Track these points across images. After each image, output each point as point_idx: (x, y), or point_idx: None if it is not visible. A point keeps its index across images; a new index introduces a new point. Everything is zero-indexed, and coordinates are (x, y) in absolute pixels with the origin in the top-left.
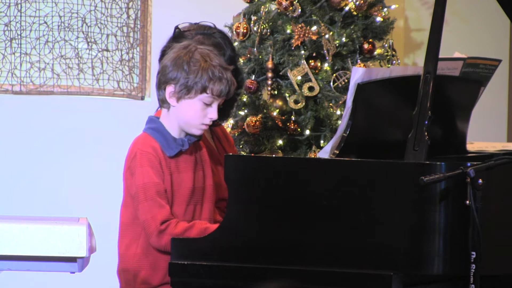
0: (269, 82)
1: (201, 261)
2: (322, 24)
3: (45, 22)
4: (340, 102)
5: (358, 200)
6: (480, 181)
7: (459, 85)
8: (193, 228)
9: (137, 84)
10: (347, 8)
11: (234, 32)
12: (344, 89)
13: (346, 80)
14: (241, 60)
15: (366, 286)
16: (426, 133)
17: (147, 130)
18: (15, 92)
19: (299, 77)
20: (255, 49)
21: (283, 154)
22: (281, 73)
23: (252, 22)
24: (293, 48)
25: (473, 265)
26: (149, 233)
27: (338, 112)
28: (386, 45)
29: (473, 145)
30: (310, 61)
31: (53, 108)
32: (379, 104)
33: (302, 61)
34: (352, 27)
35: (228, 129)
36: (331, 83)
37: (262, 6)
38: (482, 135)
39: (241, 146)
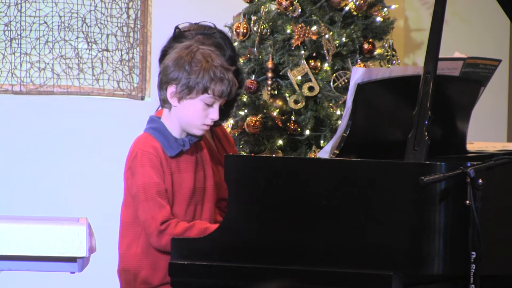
0: (269, 82)
1: (201, 261)
2: (322, 24)
3: (45, 22)
4: (340, 102)
5: (358, 200)
6: (480, 181)
7: (459, 85)
8: (193, 228)
9: (137, 84)
10: (347, 8)
11: (234, 32)
12: (344, 89)
13: (346, 80)
14: (241, 60)
15: (366, 286)
16: (426, 133)
17: (148, 130)
18: (15, 92)
19: (299, 77)
20: (255, 49)
21: (283, 154)
22: (281, 73)
23: (252, 22)
24: (293, 48)
25: (473, 265)
26: (149, 233)
27: (338, 112)
28: (386, 45)
29: (473, 145)
30: (310, 61)
31: (53, 108)
32: (379, 104)
33: (302, 61)
34: (352, 27)
35: (228, 129)
36: (331, 83)
37: (262, 6)
38: (482, 135)
39: (241, 146)
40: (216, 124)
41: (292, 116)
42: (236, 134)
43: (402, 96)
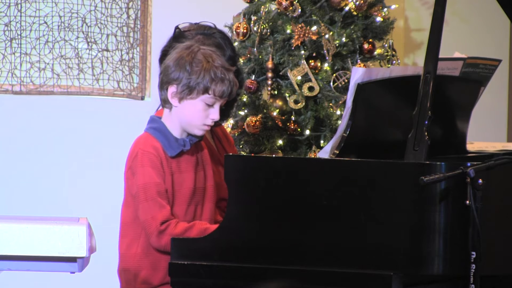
0: (269, 82)
1: (201, 261)
2: (322, 24)
3: (45, 22)
4: (340, 102)
5: (358, 200)
6: (480, 181)
7: (459, 85)
8: (193, 228)
9: (137, 84)
10: (347, 8)
11: (234, 32)
12: (344, 89)
13: (346, 80)
14: (241, 60)
15: (366, 286)
16: (426, 133)
17: (148, 129)
18: (15, 92)
19: (299, 77)
20: (255, 49)
21: (283, 154)
22: (281, 73)
23: (252, 22)
24: (293, 48)
25: (473, 265)
26: (149, 233)
27: (338, 112)
28: (386, 45)
29: (473, 145)
30: (310, 61)
31: (53, 108)
32: (379, 104)
33: (302, 61)
34: (352, 27)
35: (228, 129)
36: (331, 83)
37: (262, 6)
38: (482, 135)
39: (241, 146)
40: (216, 124)
41: (292, 116)
42: (236, 134)
43: (402, 96)
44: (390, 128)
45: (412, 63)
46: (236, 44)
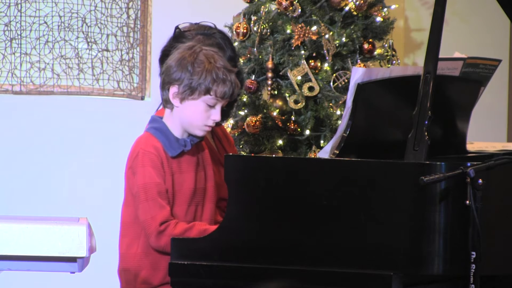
0: (269, 82)
1: (201, 261)
2: (322, 24)
3: (45, 22)
4: (340, 102)
5: (358, 200)
6: (480, 181)
7: (459, 85)
8: (192, 229)
9: (137, 84)
10: (347, 8)
11: (234, 32)
12: (344, 89)
13: (346, 80)
14: (241, 60)
15: (366, 286)
16: (426, 133)
17: (149, 129)
18: (15, 92)
19: (299, 77)
20: (255, 49)
21: (283, 154)
22: (281, 73)
23: (252, 22)
24: (293, 48)
25: (473, 265)
26: (148, 234)
27: (338, 112)
28: (386, 45)
29: (473, 145)
30: (310, 61)
31: (53, 108)
32: (379, 104)
33: (302, 61)
34: (352, 27)
35: (228, 129)
36: (331, 83)
37: (262, 6)
38: (482, 135)
39: (241, 146)
40: (217, 124)
41: (292, 116)
42: (236, 134)
43: (402, 96)
44: (390, 128)
45: (412, 63)
46: (236, 44)
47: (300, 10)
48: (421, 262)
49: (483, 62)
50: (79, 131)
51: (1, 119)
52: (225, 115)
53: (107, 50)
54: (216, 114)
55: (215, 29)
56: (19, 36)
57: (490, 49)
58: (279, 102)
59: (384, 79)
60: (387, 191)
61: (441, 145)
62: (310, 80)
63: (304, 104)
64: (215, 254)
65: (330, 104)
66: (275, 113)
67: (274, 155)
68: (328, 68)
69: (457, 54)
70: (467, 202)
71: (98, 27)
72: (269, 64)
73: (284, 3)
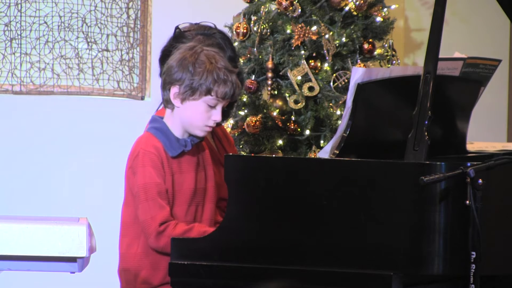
0: (269, 82)
1: (201, 261)
2: (322, 24)
3: (45, 22)
4: (340, 102)
5: (358, 200)
6: (480, 181)
7: (459, 85)
8: (192, 230)
9: (137, 84)
10: (347, 8)
11: (234, 32)
12: (344, 89)
13: (346, 80)
14: (241, 60)
15: (366, 286)
16: (426, 133)
17: (150, 129)
18: (15, 92)
19: (299, 77)
20: (255, 49)
21: (283, 154)
22: (281, 73)
23: (252, 22)
24: (293, 48)
25: (473, 265)
26: (147, 234)
27: (338, 112)
28: (386, 45)
29: (473, 145)
30: (310, 61)
31: (53, 108)
32: (379, 104)
33: (302, 61)
34: (352, 27)
35: (228, 129)
36: (331, 83)
37: (262, 6)
38: (482, 135)
39: (241, 146)
40: (217, 124)
41: (292, 116)
42: (236, 134)
43: (402, 96)
44: (390, 128)
45: (412, 63)
46: (236, 44)
47: (300, 10)
48: (421, 262)
49: (483, 62)
50: (79, 131)
51: (1, 119)
52: (225, 115)
53: (107, 50)
54: (217, 115)
55: (215, 29)
56: (19, 36)
57: (490, 49)
58: (279, 102)
59: (384, 79)
60: (387, 191)
61: (441, 145)
62: (310, 80)
63: (304, 104)
64: (215, 254)
65: (330, 104)
66: (275, 113)
67: (274, 155)
68: (328, 68)
69: (457, 54)
70: (467, 202)
71: (98, 27)
72: (269, 64)
73: (284, 3)
